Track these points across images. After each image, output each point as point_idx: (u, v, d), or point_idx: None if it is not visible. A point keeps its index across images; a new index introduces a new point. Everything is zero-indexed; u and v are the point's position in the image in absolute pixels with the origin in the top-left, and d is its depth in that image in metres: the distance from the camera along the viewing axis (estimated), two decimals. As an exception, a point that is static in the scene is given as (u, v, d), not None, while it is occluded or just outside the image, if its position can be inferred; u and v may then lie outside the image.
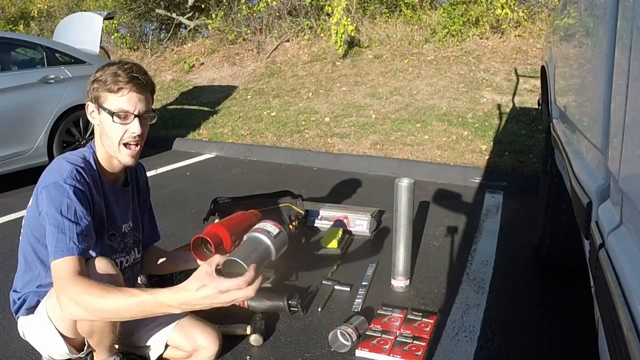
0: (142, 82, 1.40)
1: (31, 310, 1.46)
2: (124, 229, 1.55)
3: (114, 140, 1.41)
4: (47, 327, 1.38)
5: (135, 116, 1.40)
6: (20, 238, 1.47)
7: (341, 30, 7.02)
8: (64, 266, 1.24)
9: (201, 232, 1.51)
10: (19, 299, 1.49)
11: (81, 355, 1.44)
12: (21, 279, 1.49)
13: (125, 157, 1.44)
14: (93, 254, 1.34)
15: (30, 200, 1.42)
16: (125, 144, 1.41)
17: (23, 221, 1.46)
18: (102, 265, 1.32)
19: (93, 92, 1.40)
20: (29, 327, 1.48)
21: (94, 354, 1.47)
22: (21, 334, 1.53)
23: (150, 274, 1.90)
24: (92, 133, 4.37)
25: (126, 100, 1.38)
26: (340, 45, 7.15)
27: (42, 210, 1.32)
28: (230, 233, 1.53)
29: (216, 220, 1.66)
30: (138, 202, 1.67)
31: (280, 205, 2.76)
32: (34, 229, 1.41)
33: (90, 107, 1.42)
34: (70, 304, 1.18)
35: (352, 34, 7.30)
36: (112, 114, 1.38)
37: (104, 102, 1.39)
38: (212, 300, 1.14)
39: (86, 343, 1.43)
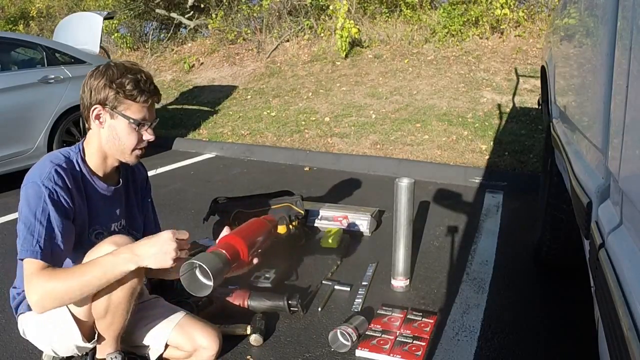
0: (159, 93, 1.48)
1: None
2: (114, 227, 1.55)
3: (127, 146, 1.45)
4: (58, 315, 1.38)
5: (151, 124, 1.46)
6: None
7: (345, 35, 7.02)
8: (29, 266, 1.30)
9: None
10: (18, 294, 1.50)
11: (89, 345, 1.44)
12: (20, 275, 1.48)
13: (133, 159, 1.49)
14: (70, 261, 1.37)
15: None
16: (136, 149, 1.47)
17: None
18: (120, 240, 1.36)
19: (110, 97, 1.39)
20: (32, 323, 1.47)
21: (98, 347, 1.47)
22: (21, 332, 1.53)
23: (155, 277, 1.88)
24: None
25: (147, 110, 1.44)
26: (344, 50, 7.16)
27: (19, 205, 1.36)
28: (247, 244, 1.45)
29: (224, 231, 1.54)
30: (136, 200, 1.66)
31: (280, 205, 2.77)
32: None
33: (98, 110, 1.41)
34: (44, 296, 1.26)
35: (357, 36, 7.30)
36: (137, 123, 1.42)
37: (124, 110, 1.41)
38: (162, 239, 1.28)
39: (96, 331, 1.44)
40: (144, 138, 1.46)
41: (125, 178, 1.62)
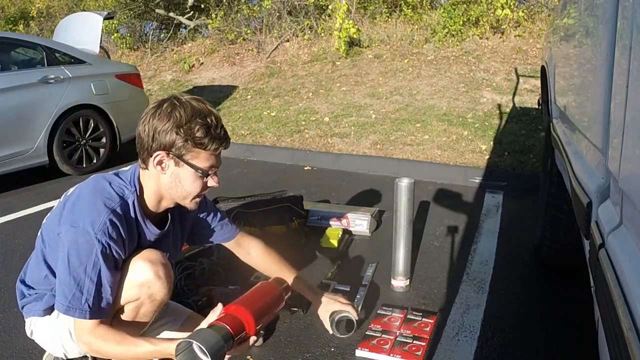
0: (229, 138, 1.37)
1: (48, 310, 1.45)
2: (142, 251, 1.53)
3: (190, 194, 1.36)
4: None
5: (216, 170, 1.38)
6: (39, 233, 1.44)
7: (343, 35, 7.06)
8: (80, 324, 1.29)
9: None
10: (29, 294, 1.46)
11: None
12: (32, 273, 1.46)
13: (193, 206, 1.41)
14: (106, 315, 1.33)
15: (56, 207, 1.37)
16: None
17: (45, 220, 1.44)
18: (154, 256, 1.36)
19: (178, 144, 1.28)
20: (46, 327, 1.46)
21: None
22: (28, 333, 1.51)
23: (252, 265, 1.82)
24: (92, 133, 4.38)
25: (216, 157, 1.35)
26: (343, 49, 7.19)
27: (63, 244, 1.28)
28: (255, 316, 1.28)
29: (217, 308, 1.36)
30: (181, 234, 1.61)
31: (280, 205, 2.77)
32: (48, 239, 1.39)
33: (162, 156, 1.30)
34: (90, 351, 1.33)
35: (355, 36, 7.33)
36: (205, 174, 1.33)
37: (191, 158, 1.31)
38: None
39: None
40: (209, 185, 1.37)
41: (173, 216, 1.52)
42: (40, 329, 1.47)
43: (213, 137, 1.30)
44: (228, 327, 1.20)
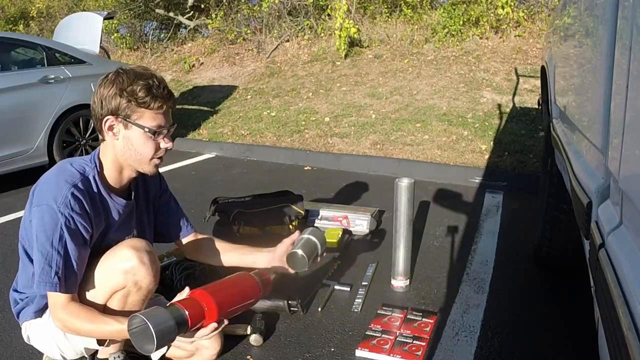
0: (174, 96, 1.43)
1: (40, 312, 1.46)
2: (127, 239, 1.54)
3: (145, 156, 1.40)
4: None
5: (168, 130, 1.42)
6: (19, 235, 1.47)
7: (344, 34, 7.06)
8: (52, 298, 1.31)
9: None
10: (21, 299, 1.48)
11: (100, 347, 1.46)
12: (21, 277, 1.48)
13: (151, 169, 1.44)
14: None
15: (28, 201, 1.39)
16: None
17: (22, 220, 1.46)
18: (139, 244, 1.38)
19: (122, 106, 1.33)
20: (40, 330, 1.47)
21: (101, 349, 1.48)
22: (25, 339, 1.51)
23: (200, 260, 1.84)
24: (92, 133, 4.38)
25: (163, 116, 1.39)
26: (343, 49, 7.20)
27: (32, 226, 1.32)
28: (219, 308, 1.25)
29: (185, 291, 1.36)
30: (146, 208, 1.64)
31: (280, 205, 2.77)
32: (25, 232, 1.41)
33: (111, 121, 1.35)
34: (64, 328, 1.35)
35: (355, 36, 7.33)
36: (153, 132, 1.36)
37: (138, 119, 1.35)
38: None
39: None
40: (162, 146, 1.41)
41: (136, 189, 1.57)
42: (35, 331, 1.47)
43: (155, 96, 1.34)
44: (186, 310, 1.19)
